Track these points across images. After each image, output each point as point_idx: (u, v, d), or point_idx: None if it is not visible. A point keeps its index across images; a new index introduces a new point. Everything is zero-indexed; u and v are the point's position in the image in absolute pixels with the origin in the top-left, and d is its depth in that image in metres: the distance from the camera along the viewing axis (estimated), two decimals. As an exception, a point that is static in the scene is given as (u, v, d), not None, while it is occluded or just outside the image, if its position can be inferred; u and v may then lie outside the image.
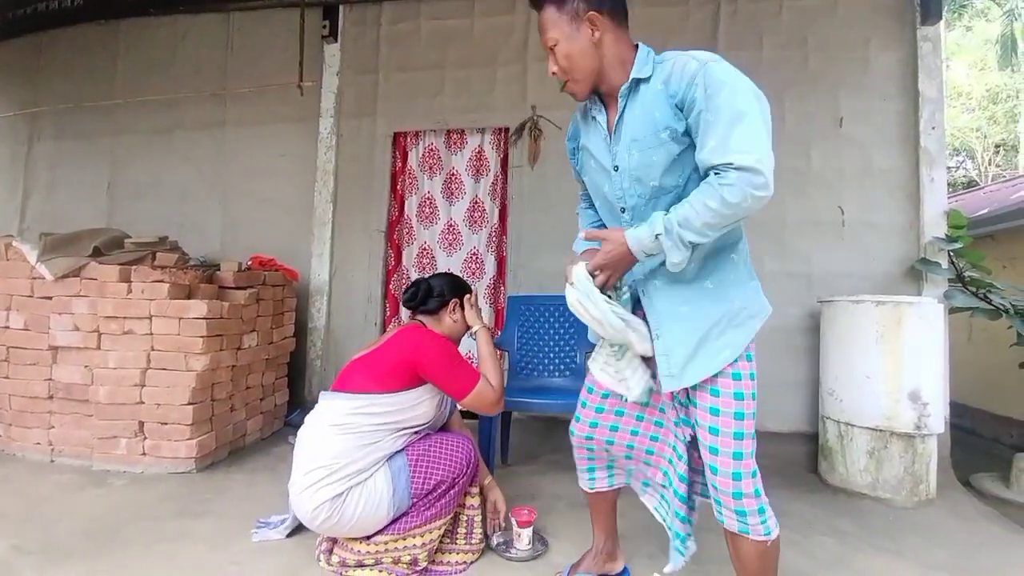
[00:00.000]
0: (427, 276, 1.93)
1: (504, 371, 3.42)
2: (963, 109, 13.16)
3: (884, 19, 3.33)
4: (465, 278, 3.74)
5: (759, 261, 3.41)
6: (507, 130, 3.71)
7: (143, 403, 2.57)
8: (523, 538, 1.81)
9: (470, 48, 3.78)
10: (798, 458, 2.88)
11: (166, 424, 2.55)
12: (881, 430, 2.40)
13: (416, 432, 1.68)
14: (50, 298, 2.70)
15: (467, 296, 1.85)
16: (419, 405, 1.65)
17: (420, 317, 1.81)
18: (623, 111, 1.23)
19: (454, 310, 1.81)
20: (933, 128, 3.21)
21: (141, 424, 2.58)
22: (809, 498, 2.37)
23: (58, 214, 4.32)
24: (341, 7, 3.90)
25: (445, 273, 1.93)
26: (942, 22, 3.28)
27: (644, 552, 1.82)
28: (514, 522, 1.82)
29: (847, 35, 3.37)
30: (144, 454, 2.57)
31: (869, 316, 2.47)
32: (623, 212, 1.30)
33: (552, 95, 3.66)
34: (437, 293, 1.81)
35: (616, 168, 1.26)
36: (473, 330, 1.82)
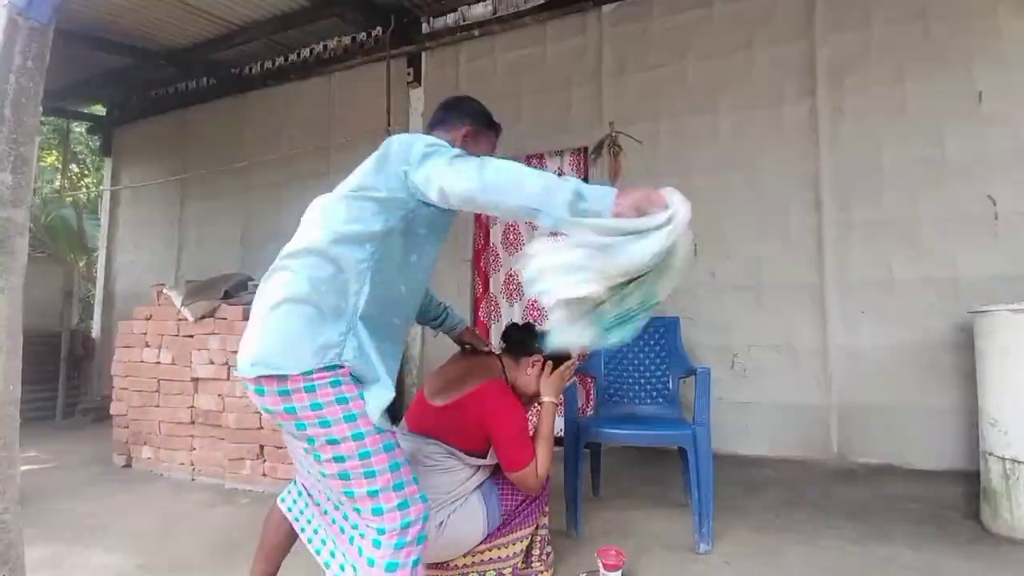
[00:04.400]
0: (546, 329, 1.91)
1: (591, 398, 3.31)
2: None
3: (1008, -19, 2.81)
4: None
5: (888, 267, 3.00)
6: (586, 149, 3.66)
7: (262, 428, 2.85)
8: (610, 582, 1.69)
9: (544, 73, 3.83)
10: (954, 502, 2.39)
11: (280, 448, 2.80)
12: (1062, 469, 1.92)
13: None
14: (192, 336, 3.11)
15: (552, 363, 1.76)
16: None
17: (506, 355, 1.80)
18: None
19: (534, 365, 1.76)
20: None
21: (261, 448, 2.85)
22: (966, 550, 1.95)
23: (205, 263, 5.03)
24: (423, 54, 4.17)
25: None
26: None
27: None
28: (600, 564, 1.71)
29: (971, 1, 2.88)
30: (264, 475, 2.84)
31: (1038, 328, 2.01)
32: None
33: (629, 109, 3.57)
34: (535, 344, 1.76)
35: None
36: (541, 399, 1.73)
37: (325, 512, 1.38)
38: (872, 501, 2.45)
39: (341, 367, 1.18)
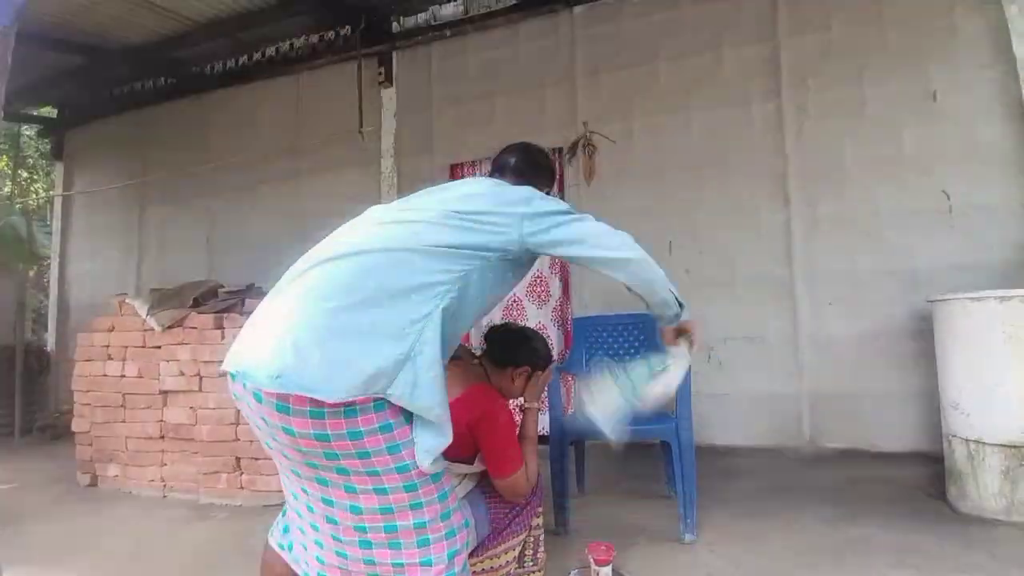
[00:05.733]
0: (523, 328, 1.86)
1: (571, 396, 3.34)
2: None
3: (964, -17, 2.97)
4: (531, 303, 3.75)
5: (851, 260, 3.13)
6: (560, 150, 3.69)
7: (239, 440, 2.76)
8: (601, 577, 1.71)
9: (517, 73, 3.84)
10: (920, 482, 2.51)
11: (258, 459, 2.72)
12: (1017, 446, 2.04)
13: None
14: (159, 347, 2.99)
15: (539, 371, 1.73)
16: None
17: (487, 360, 1.72)
18: None
19: (520, 376, 1.71)
20: (1039, 93, 2.78)
21: (238, 460, 2.76)
22: (936, 529, 2.05)
23: (168, 270, 4.84)
24: (395, 54, 4.12)
25: (540, 338, 1.84)
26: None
27: None
28: (591, 559, 1.73)
29: (927, 3, 3.03)
30: (241, 488, 2.75)
31: (993, 314, 2.12)
32: None
33: (602, 109, 3.62)
34: (522, 355, 1.71)
35: None
36: (524, 405, 1.72)
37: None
38: (844, 484, 2.56)
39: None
